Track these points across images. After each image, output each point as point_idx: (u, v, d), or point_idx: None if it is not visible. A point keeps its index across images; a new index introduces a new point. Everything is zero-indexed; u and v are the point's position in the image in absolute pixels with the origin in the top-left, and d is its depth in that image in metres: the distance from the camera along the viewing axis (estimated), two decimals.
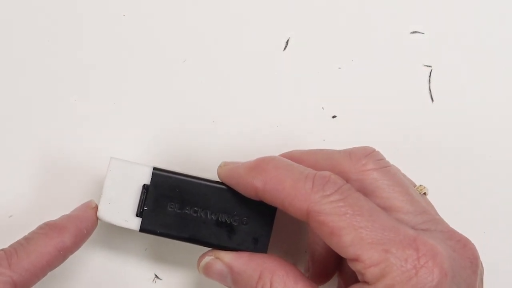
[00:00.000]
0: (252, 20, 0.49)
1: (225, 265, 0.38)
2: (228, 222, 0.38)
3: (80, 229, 0.39)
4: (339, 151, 0.39)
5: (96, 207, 0.40)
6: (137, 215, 0.38)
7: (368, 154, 0.39)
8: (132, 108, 0.48)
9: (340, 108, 0.48)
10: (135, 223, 0.38)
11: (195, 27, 0.49)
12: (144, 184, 0.38)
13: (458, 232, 0.37)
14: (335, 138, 0.48)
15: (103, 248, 0.45)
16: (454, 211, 0.47)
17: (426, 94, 0.49)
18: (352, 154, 0.39)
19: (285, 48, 0.49)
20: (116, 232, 0.45)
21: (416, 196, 0.38)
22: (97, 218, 0.40)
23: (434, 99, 0.49)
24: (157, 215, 0.38)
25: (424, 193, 0.40)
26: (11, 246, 0.38)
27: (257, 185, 0.36)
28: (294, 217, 0.36)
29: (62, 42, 0.48)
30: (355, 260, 0.34)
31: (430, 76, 0.49)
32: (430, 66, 0.49)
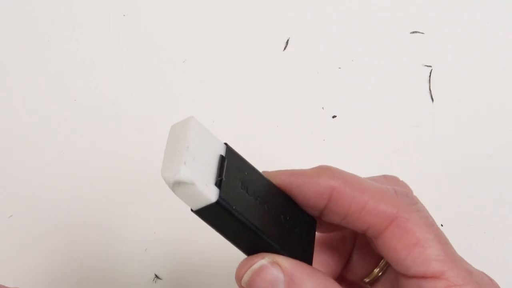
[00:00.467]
0: (252, 20, 0.49)
1: (284, 272, 0.33)
2: (284, 223, 0.34)
3: None
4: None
5: None
6: (215, 184, 0.33)
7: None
8: (132, 108, 0.48)
9: (340, 108, 0.48)
10: (213, 192, 0.32)
11: (195, 27, 0.49)
12: (221, 155, 0.34)
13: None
14: (335, 138, 0.48)
15: (104, 248, 0.46)
16: (454, 211, 0.47)
17: (426, 94, 0.49)
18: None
19: (285, 48, 0.49)
20: (116, 232, 0.45)
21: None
22: None
23: (434, 99, 0.49)
24: (232, 190, 0.33)
25: None
26: None
27: (336, 184, 0.33)
28: (358, 227, 0.34)
29: (62, 42, 0.48)
30: (436, 277, 0.31)
31: (430, 76, 0.49)
32: (430, 66, 0.49)
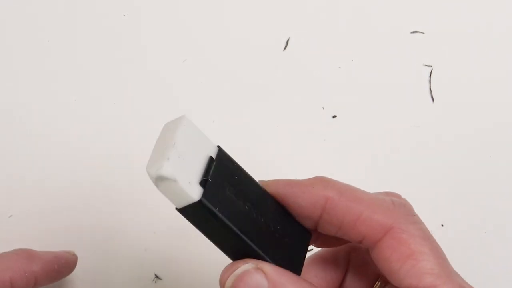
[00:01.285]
0: (252, 20, 0.49)
1: (266, 278, 0.33)
2: (274, 231, 0.34)
3: (51, 262, 0.39)
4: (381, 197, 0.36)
5: (75, 256, 0.41)
6: (200, 184, 0.32)
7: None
8: (132, 108, 0.48)
9: (340, 108, 0.48)
10: (196, 191, 0.32)
11: (195, 27, 0.49)
12: (211, 157, 0.34)
13: None
14: (335, 138, 0.48)
15: (103, 248, 0.46)
16: (454, 211, 0.47)
17: (426, 94, 0.49)
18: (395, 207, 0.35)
19: (285, 48, 0.49)
20: (116, 231, 0.45)
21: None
22: (75, 262, 0.41)
23: (434, 99, 0.49)
24: (218, 192, 0.33)
25: None
26: None
27: (330, 194, 0.33)
28: (354, 238, 0.34)
29: (62, 42, 0.48)
30: None
31: (430, 76, 0.49)
32: (430, 66, 0.49)
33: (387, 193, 0.37)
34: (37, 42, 0.48)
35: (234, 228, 0.33)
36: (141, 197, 0.45)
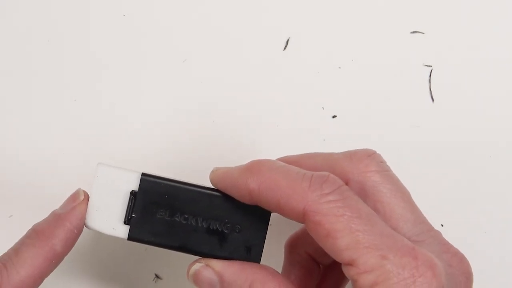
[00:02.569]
0: (252, 20, 0.49)
1: (215, 274, 0.36)
2: (220, 229, 0.37)
3: (70, 231, 0.37)
4: (339, 153, 0.38)
5: (86, 199, 0.38)
6: (125, 223, 0.37)
7: (370, 155, 0.37)
8: (131, 109, 0.48)
9: (340, 108, 0.48)
10: (123, 231, 0.37)
11: (195, 27, 0.49)
12: (132, 191, 0.37)
13: (453, 246, 0.36)
14: (335, 138, 0.48)
15: (104, 248, 0.46)
16: (454, 211, 0.47)
17: (426, 94, 0.49)
18: (353, 155, 0.37)
19: (285, 48, 0.49)
20: None
21: (416, 205, 0.37)
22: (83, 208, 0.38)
23: (434, 99, 0.49)
24: (146, 222, 0.37)
25: None
26: None
27: (252, 186, 0.35)
28: (291, 219, 0.35)
29: (61, 42, 0.48)
30: (350, 264, 0.32)
31: (430, 76, 0.49)
32: (430, 66, 0.49)
33: (354, 152, 0.38)
34: (37, 42, 0.48)
35: (172, 245, 0.37)
36: None
